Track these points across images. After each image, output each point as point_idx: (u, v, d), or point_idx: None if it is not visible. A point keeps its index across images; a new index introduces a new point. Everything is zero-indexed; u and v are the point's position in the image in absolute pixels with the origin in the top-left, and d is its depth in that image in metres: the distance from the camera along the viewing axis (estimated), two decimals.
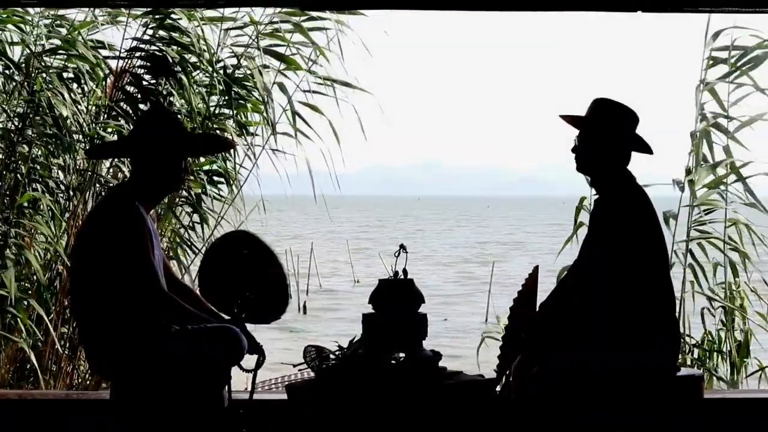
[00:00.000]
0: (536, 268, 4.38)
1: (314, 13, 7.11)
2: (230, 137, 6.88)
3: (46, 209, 6.76)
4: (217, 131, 7.12)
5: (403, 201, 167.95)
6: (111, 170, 7.06)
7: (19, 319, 6.41)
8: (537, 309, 4.29)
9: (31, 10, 6.91)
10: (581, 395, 4.07)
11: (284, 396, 4.37)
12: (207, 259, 4.40)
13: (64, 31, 7.05)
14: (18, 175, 6.77)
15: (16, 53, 7.01)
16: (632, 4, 4.87)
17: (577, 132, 4.32)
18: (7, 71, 6.96)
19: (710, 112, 7.53)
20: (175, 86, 6.97)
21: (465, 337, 16.34)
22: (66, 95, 6.83)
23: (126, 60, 7.02)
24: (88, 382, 6.73)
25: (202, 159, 7.14)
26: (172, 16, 7.06)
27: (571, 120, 4.33)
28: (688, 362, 7.22)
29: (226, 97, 7.15)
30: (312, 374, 4.35)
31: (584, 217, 7.49)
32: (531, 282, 4.32)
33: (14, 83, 6.92)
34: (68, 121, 6.78)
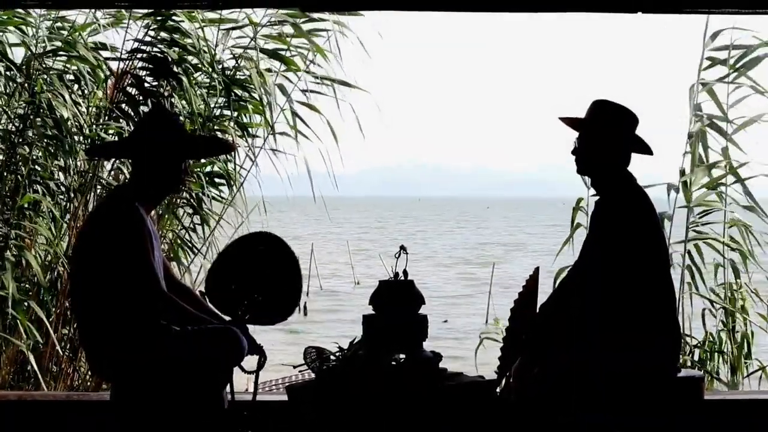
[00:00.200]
0: (537, 270, 4.39)
1: (315, 15, 7.12)
2: (231, 139, 6.89)
3: (47, 211, 6.76)
4: (218, 133, 7.13)
5: (403, 202, 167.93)
6: (112, 173, 7.06)
7: (18, 321, 6.41)
8: (537, 310, 4.29)
9: (33, 12, 6.92)
10: (581, 396, 4.07)
11: (285, 397, 4.37)
12: (222, 256, 4.39)
13: (65, 32, 7.06)
14: (18, 177, 6.77)
15: (16, 54, 7.02)
16: (632, 5, 4.88)
17: (576, 134, 4.32)
18: (8, 72, 6.96)
19: (706, 114, 7.53)
20: (176, 88, 6.98)
21: (465, 339, 16.32)
22: (67, 97, 6.84)
23: (127, 61, 7.02)
24: (88, 383, 6.73)
25: (202, 160, 7.14)
26: (174, 17, 7.06)
27: (571, 122, 4.33)
28: (688, 363, 7.22)
29: (231, 99, 7.15)
30: (312, 375, 4.36)
31: (581, 218, 7.51)
32: (531, 283, 4.32)
33: (15, 85, 6.92)
34: (69, 123, 6.78)
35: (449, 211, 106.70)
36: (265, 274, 4.26)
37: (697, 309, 7.50)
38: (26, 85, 6.87)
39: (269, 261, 4.28)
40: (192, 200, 7.18)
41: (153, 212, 4.39)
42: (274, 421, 4.49)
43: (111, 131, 7.03)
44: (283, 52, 7.35)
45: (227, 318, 4.24)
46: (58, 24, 7.13)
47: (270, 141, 7.31)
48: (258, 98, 7.22)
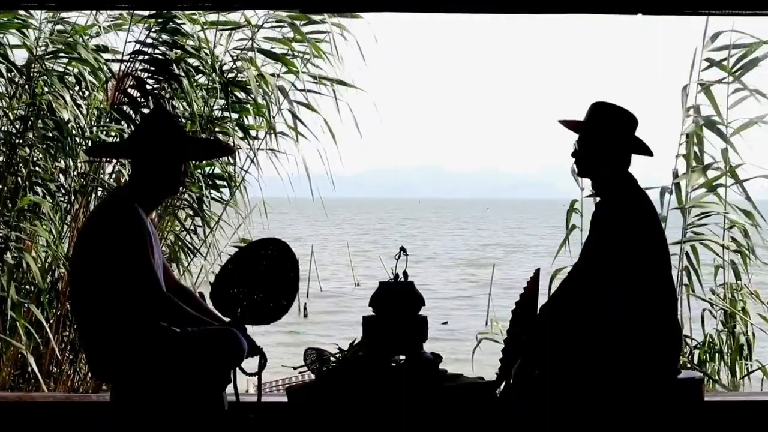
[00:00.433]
0: (537, 271, 4.39)
1: (315, 17, 7.12)
2: (233, 141, 6.90)
3: (48, 213, 6.76)
4: (219, 135, 7.13)
5: (403, 203, 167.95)
6: (114, 175, 7.07)
7: (18, 323, 6.41)
8: (538, 312, 4.29)
9: (35, 14, 6.93)
10: (581, 396, 4.07)
11: (284, 398, 4.37)
12: (236, 258, 4.41)
13: (66, 35, 7.06)
14: (19, 178, 6.78)
15: (17, 56, 7.03)
16: (633, 6, 4.89)
17: (577, 136, 4.33)
18: (9, 74, 6.97)
19: (703, 116, 7.53)
20: (177, 90, 6.98)
21: (465, 340, 16.32)
22: (67, 98, 6.85)
23: (128, 63, 7.03)
24: (88, 384, 6.74)
25: (203, 162, 7.14)
26: (176, 20, 7.07)
27: (570, 125, 4.33)
28: (687, 365, 7.21)
29: (227, 100, 7.16)
30: (312, 377, 4.36)
31: (576, 219, 7.53)
32: (532, 285, 4.32)
33: (16, 86, 6.93)
34: (69, 125, 6.79)
35: (449, 213, 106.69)
36: (265, 274, 4.27)
37: (695, 310, 7.50)
38: (27, 86, 6.87)
39: (271, 262, 4.30)
40: (193, 203, 7.18)
41: (153, 213, 4.39)
42: (275, 423, 4.49)
43: (112, 133, 7.04)
44: (283, 53, 7.36)
45: (227, 319, 4.25)
46: (59, 27, 7.13)
47: (270, 141, 7.31)
48: (254, 100, 7.22)
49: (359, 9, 6.35)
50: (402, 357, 4.24)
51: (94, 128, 6.98)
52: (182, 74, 6.97)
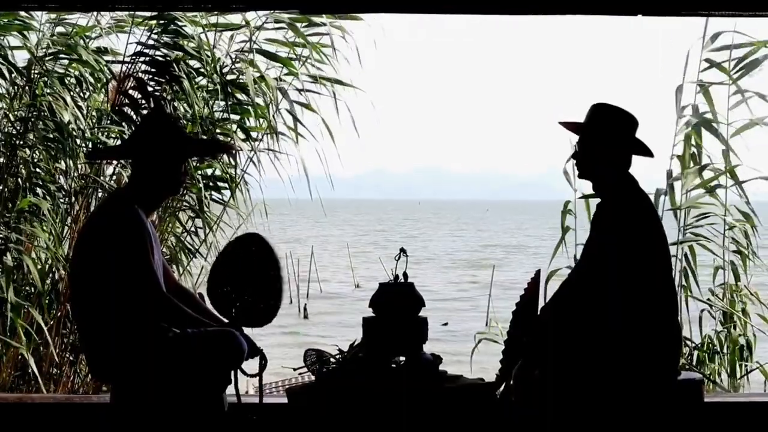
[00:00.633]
0: (538, 272, 4.39)
1: (316, 19, 7.13)
2: (234, 143, 6.90)
3: (49, 214, 6.76)
4: (220, 137, 7.14)
5: (404, 204, 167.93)
6: (114, 177, 7.07)
7: (18, 325, 6.42)
8: (538, 313, 4.30)
9: (36, 16, 6.93)
10: (582, 397, 4.07)
11: (284, 399, 4.38)
12: (220, 257, 4.40)
13: (66, 36, 7.07)
14: (19, 180, 6.78)
15: (18, 57, 7.04)
16: (633, 7, 4.90)
17: (577, 138, 4.33)
18: (10, 75, 6.97)
19: (699, 116, 7.52)
20: (178, 91, 6.99)
21: (465, 341, 16.31)
22: (68, 100, 6.85)
23: (129, 65, 7.04)
24: (88, 386, 6.74)
25: (203, 162, 7.15)
26: (177, 21, 7.08)
27: (571, 126, 4.34)
28: (686, 366, 7.22)
29: (228, 102, 7.16)
30: (312, 378, 4.36)
31: (570, 221, 7.54)
32: (533, 286, 4.32)
33: (16, 87, 6.94)
34: (70, 126, 6.79)
35: (449, 214, 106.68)
36: (251, 275, 4.26)
37: (693, 312, 7.50)
38: (27, 88, 6.88)
39: (258, 262, 4.28)
40: (194, 204, 7.18)
41: (153, 214, 4.39)
42: (275, 424, 4.49)
43: (113, 134, 7.04)
44: (283, 54, 7.36)
45: (226, 320, 4.25)
46: (60, 28, 7.14)
47: (270, 142, 7.31)
48: (252, 101, 7.22)
49: (359, 10, 6.35)
50: (402, 358, 4.24)
51: (95, 130, 6.99)
52: (183, 76, 6.97)
